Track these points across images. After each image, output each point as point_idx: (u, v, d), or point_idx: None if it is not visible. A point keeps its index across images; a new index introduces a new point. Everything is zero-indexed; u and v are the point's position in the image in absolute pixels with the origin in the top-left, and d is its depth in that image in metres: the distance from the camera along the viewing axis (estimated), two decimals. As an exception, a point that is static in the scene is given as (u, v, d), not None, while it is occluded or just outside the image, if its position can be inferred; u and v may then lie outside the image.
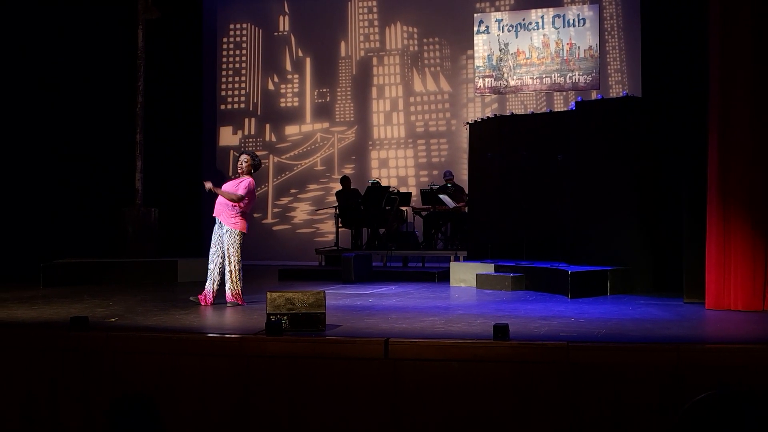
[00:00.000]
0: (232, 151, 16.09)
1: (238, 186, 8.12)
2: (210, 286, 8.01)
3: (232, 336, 5.75)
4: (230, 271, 7.98)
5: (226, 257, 7.99)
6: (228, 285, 7.99)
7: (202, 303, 7.96)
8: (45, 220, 11.43)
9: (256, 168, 8.36)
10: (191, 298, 8.06)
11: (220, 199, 8.08)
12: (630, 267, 9.03)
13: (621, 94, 11.96)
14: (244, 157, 8.32)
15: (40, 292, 9.37)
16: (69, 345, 5.91)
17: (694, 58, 7.86)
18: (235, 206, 8.03)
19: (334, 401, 5.37)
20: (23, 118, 11.35)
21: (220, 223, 8.07)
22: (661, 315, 7.06)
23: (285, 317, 5.91)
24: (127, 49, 12.20)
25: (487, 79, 14.67)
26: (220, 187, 8.15)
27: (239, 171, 8.27)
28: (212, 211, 8.21)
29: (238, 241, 8.03)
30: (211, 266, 8.03)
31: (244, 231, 8.07)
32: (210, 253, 8.08)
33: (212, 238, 8.11)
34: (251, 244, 15.39)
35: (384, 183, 14.17)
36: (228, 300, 7.98)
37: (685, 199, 7.88)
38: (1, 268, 10.71)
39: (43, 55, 11.62)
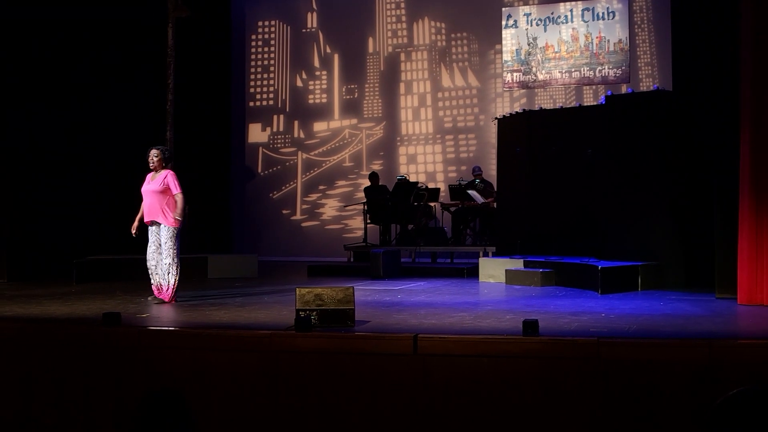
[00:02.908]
0: (261, 148, 16.18)
1: (167, 185, 8.01)
2: (157, 280, 8.03)
3: (262, 332, 5.78)
4: (168, 264, 7.95)
5: (165, 253, 7.95)
6: (167, 280, 7.94)
7: (160, 297, 7.98)
8: (77, 217, 11.57)
9: (167, 161, 8.21)
10: (151, 299, 8.02)
11: (149, 202, 8.02)
12: (661, 262, 8.95)
13: (651, 88, 11.85)
14: (154, 152, 8.15)
15: (73, 288, 9.49)
16: (101, 340, 5.98)
17: (726, 50, 7.76)
18: (168, 204, 7.98)
19: (363, 397, 5.38)
20: (54, 117, 11.48)
21: (154, 223, 8.04)
22: (693, 310, 6.99)
23: (314, 313, 5.93)
24: (157, 47, 12.29)
25: (515, 74, 14.60)
26: (158, 193, 8.01)
27: (152, 167, 8.13)
28: (148, 214, 8.09)
29: (174, 235, 7.98)
30: (153, 263, 8.05)
31: (178, 226, 8.04)
32: (150, 251, 8.07)
33: (150, 238, 8.07)
34: (281, 240, 15.60)
35: (412, 179, 14.18)
36: (154, 297, 7.99)
37: (716, 193, 7.79)
38: (35, 265, 10.86)
39: (73, 54, 11.75)
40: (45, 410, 5.94)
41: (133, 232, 8.23)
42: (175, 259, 7.96)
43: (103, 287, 9.43)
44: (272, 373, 5.55)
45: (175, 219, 7.96)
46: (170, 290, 7.95)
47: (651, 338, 5.43)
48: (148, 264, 8.10)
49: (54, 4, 11.41)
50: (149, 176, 8.20)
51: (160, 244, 8.05)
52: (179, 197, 8.01)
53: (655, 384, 4.98)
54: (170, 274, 7.94)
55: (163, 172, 8.13)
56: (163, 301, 7.95)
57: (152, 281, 8.10)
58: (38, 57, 11.25)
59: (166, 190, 8.03)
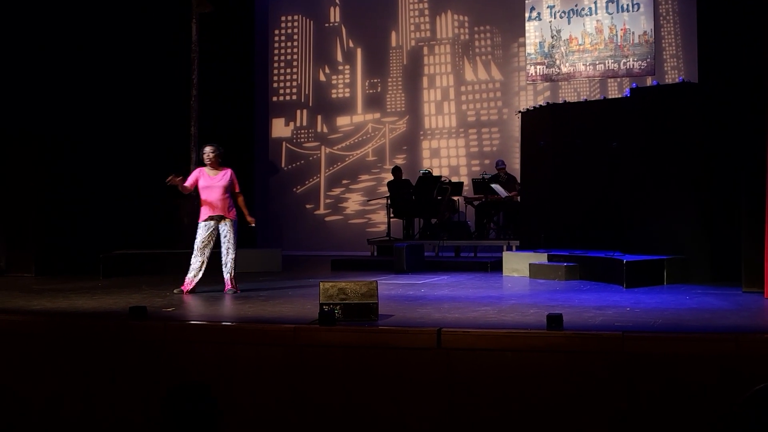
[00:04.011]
0: (284, 143, 16.23)
1: (227, 181, 8.22)
2: (201, 276, 8.19)
3: (286, 326, 5.81)
4: (233, 259, 8.23)
5: (230, 247, 8.19)
6: (230, 272, 8.19)
7: (185, 291, 8.11)
8: (104, 212, 11.67)
9: (222, 156, 8.39)
10: (175, 291, 8.14)
11: (216, 198, 8.15)
12: (687, 256, 8.88)
13: (677, 80, 11.74)
14: (209, 149, 8.32)
15: (99, 282, 9.59)
16: (128, 334, 6.04)
17: (753, 42, 7.67)
18: (231, 198, 8.26)
19: (388, 390, 5.39)
20: (80, 113, 11.58)
21: (219, 218, 8.19)
22: (719, 304, 6.93)
23: (338, 307, 5.95)
24: (181, 43, 12.36)
25: (539, 67, 14.53)
26: (224, 189, 8.22)
27: (208, 162, 8.27)
28: (214, 209, 8.21)
29: (236, 229, 8.31)
30: (202, 258, 8.18)
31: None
32: (202, 246, 8.19)
33: (203, 233, 8.18)
34: (304, 234, 15.64)
35: (435, 173, 14.15)
36: (231, 288, 8.19)
37: (743, 186, 7.71)
38: (62, 259, 10.98)
39: (98, 50, 11.83)
40: (73, 403, 6.01)
41: (173, 179, 8.19)
42: (235, 252, 8.27)
43: (130, 281, 9.51)
44: (296, 367, 5.57)
45: (250, 219, 8.33)
46: (232, 280, 8.24)
47: (677, 332, 5.40)
48: (197, 258, 8.17)
49: (79, 1, 11.51)
50: (206, 171, 8.28)
51: (214, 239, 8.21)
52: (242, 198, 8.39)
53: (680, 378, 4.95)
54: (232, 269, 8.23)
55: (225, 169, 8.31)
56: (182, 292, 8.10)
57: (190, 275, 8.18)
58: (62, 54, 11.34)
59: (230, 187, 8.26)
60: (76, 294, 8.24)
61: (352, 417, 5.44)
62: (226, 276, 8.28)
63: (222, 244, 8.28)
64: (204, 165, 8.37)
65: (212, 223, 8.22)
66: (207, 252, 8.25)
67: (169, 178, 8.15)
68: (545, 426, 5.11)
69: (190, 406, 3.15)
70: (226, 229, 8.23)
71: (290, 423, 5.55)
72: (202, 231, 8.22)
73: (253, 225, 8.37)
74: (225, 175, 8.28)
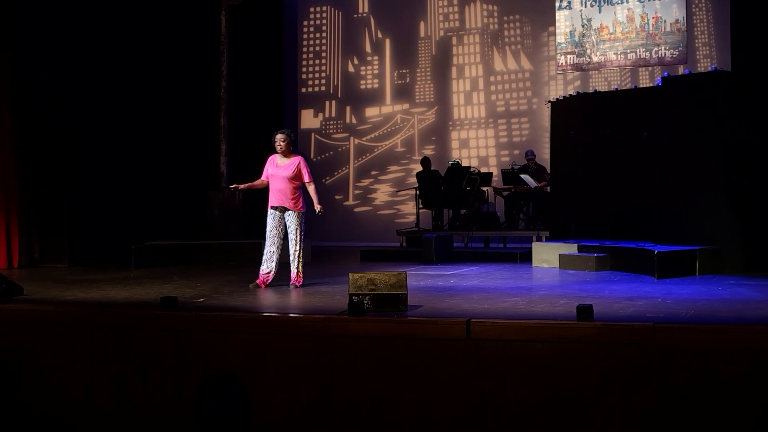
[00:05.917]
0: (313, 134, 16.27)
1: (298, 171, 7.98)
2: (273, 267, 7.98)
3: (316, 316, 5.84)
4: (297, 251, 7.97)
5: (295, 239, 7.96)
6: (296, 266, 7.98)
7: (263, 286, 7.93)
8: (136, 204, 11.79)
9: (294, 144, 8.20)
10: (251, 286, 7.95)
11: (280, 187, 7.95)
12: (719, 246, 8.78)
13: (709, 69, 11.58)
14: (280, 136, 8.05)
15: (131, 273, 9.68)
16: (159, 324, 6.10)
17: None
18: (298, 189, 8.01)
19: (417, 381, 5.40)
20: (112, 105, 11.69)
21: (282, 209, 7.99)
22: (753, 295, 6.85)
23: (367, 298, 5.97)
24: (211, 34, 12.42)
25: (569, 56, 14.41)
26: (289, 179, 7.98)
27: (279, 151, 8.04)
28: (277, 199, 8.00)
29: (303, 222, 8.04)
30: (273, 248, 7.98)
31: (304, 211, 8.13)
32: (271, 236, 7.97)
33: (270, 222, 7.97)
34: (333, 225, 15.68)
35: (464, 163, 14.11)
36: (294, 282, 7.98)
37: (777, 175, 7.61)
38: (95, 250, 11.11)
39: (128, 43, 11.92)
40: (106, 392, 6.09)
41: (235, 185, 8.27)
42: (302, 245, 8.00)
43: (161, 272, 9.59)
44: (326, 358, 5.60)
45: (318, 207, 8.02)
46: (300, 276, 7.99)
47: (709, 323, 5.35)
48: (267, 249, 7.97)
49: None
50: (275, 159, 8.08)
51: (282, 230, 8.02)
52: (313, 186, 8.11)
53: (712, 370, 4.91)
54: (299, 262, 7.98)
55: (295, 158, 8.07)
56: (258, 287, 7.91)
57: (262, 268, 7.98)
58: (94, 47, 11.44)
59: (297, 177, 8.01)
60: (108, 284, 8.34)
61: (381, 407, 5.46)
62: (293, 271, 8.01)
63: (288, 238, 8.05)
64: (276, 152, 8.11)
65: (277, 212, 8.02)
66: (277, 241, 7.99)
67: (233, 185, 8.16)
68: (575, 418, 5.10)
69: (221, 397, 3.18)
70: (290, 221, 7.99)
71: (319, 413, 5.58)
72: (270, 219, 8.01)
73: (318, 213, 8.06)
74: (292, 165, 7.99)
